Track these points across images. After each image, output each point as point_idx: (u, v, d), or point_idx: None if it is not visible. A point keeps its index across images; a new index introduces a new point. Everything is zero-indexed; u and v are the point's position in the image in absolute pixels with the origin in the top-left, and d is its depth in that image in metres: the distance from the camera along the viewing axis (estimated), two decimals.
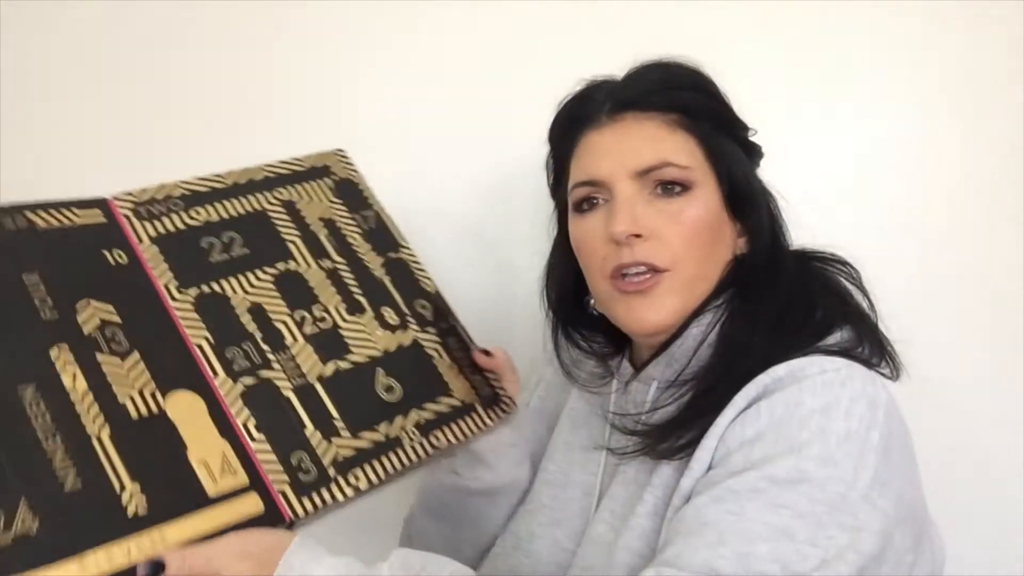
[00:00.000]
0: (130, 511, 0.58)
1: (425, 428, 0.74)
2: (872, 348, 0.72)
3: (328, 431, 0.69)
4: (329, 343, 0.74)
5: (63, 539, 0.55)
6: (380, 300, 0.80)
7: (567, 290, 0.85)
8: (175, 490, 0.61)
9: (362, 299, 0.79)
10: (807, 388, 0.64)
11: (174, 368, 0.67)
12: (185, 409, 0.65)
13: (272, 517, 0.64)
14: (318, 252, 0.79)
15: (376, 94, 1.16)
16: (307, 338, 0.74)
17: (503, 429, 0.82)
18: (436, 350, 0.80)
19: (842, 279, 0.77)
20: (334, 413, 0.71)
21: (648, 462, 0.73)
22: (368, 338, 0.77)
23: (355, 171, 0.88)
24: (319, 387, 0.71)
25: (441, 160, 1.13)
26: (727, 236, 0.77)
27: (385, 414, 0.73)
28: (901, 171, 1.05)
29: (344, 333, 0.76)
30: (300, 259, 0.78)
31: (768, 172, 0.81)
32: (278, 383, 0.70)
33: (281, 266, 0.77)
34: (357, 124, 1.16)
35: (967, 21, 1.03)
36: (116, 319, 0.66)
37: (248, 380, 0.69)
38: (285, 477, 0.66)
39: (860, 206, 1.05)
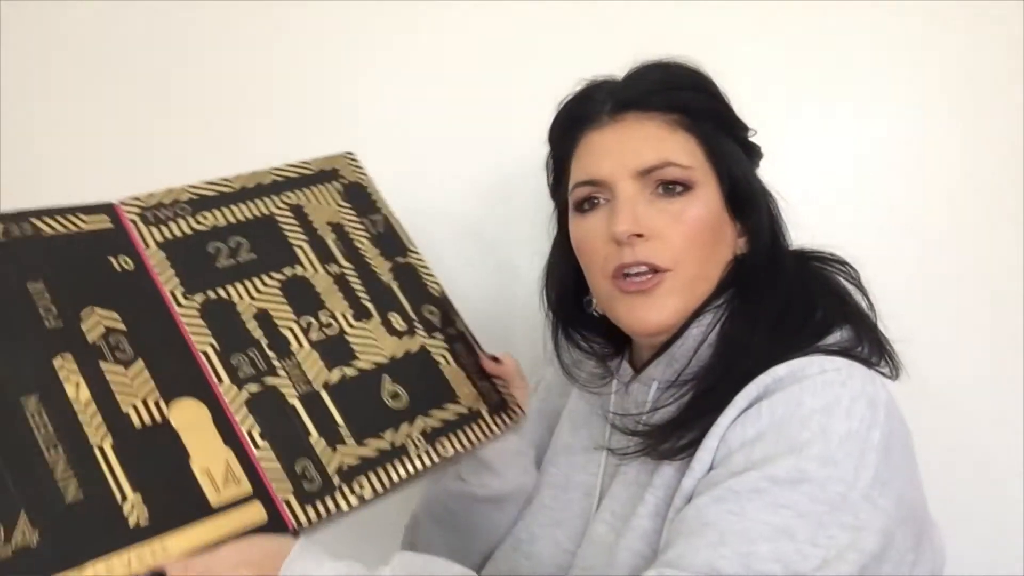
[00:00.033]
0: (131, 522, 0.58)
1: (431, 436, 0.73)
2: (871, 347, 0.72)
3: (333, 439, 0.69)
4: (335, 349, 0.74)
5: (63, 551, 0.55)
6: (387, 306, 0.79)
7: (567, 290, 0.85)
8: (177, 500, 0.60)
9: (369, 305, 0.78)
10: (808, 388, 0.64)
11: (179, 375, 0.66)
12: (189, 417, 0.64)
13: (276, 526, 0.63)
14: (325, 257, 0.79)
15: (376, 94, 1.16)
16: (313, 344, 0.73)
17: (510, 436, 0.82)
18: (443, 356, 0.79)
19: (841, 279, 0.77)
20: (339, 421, 0.70)
21: (649, 462, 0.73)
22: (375, 344, 0.76)
23: (364, 174, 0.87)
24: (324, 394, 0.71)
25: (441, 160, 1.13)
26: (728, 236, 0.77)
27: (391, 421, 0.72)
28: (901, 171, 1.05)
29: (351, 339, 0.75)
30: (307, 264, 0.77)
31: (768, 172, 0.81)
32: (283, 390, 0.69)
33: (288, 271, 0.76)
34: (357, 124, 1.15)
35: (967, 21, 1.03)
36: (121, 326, 0.66)
37: (253, 387, 0.68)
38: (289, 486, 0.65)
39: (860, 206, 1.05)
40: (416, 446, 0.72)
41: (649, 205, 0.74)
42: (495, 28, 1.12)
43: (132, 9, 1.18)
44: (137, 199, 0.74)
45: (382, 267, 0.81)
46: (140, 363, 0.65)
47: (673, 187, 0.74)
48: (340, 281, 0.78)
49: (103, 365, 0.63)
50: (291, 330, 0.73)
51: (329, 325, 0.75)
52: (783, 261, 0.77)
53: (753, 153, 0.80)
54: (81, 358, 0.63)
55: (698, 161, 0.75)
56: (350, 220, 0.83)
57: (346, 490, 0.67)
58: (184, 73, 1.18)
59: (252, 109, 1.17)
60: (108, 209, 0.72)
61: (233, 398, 0.67)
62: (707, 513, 0.61)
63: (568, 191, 0.80)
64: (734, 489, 0.61)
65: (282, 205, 0.80)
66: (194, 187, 0.77)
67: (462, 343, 0.82)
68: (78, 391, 0.61)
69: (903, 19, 1.03)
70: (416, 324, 0.79)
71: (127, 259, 0.70)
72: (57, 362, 0.62)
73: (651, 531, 0.69)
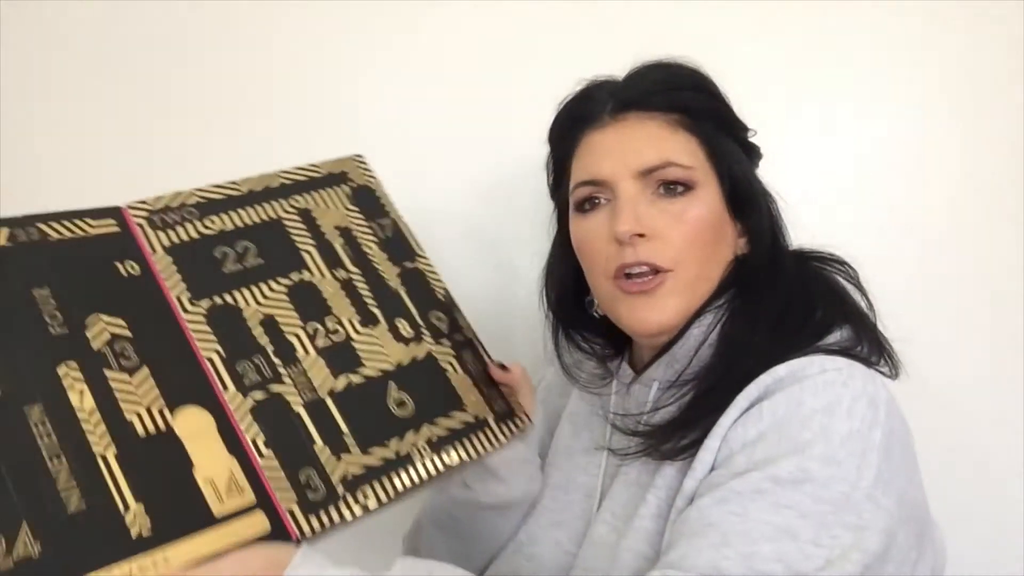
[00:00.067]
0: (134, 532, 0.57)
1: (437, 445, 0.73)
2: (871, 347, 0.72)
3: (338, 447, 0.68)
4: (341, 356, 0.73)
5: (65, 562, 0.55)
6: (395, 312, 0.78)
7: (567, 291, 0.85)
8: (180, 510, 0.60)
9: (376, 311, 0.77)
10: (808, 388, 0.64)
11: (184, 383, 0.65)
12: (193, 425, 0.64)
13: (279, 536, 0.62)
14: (333, 262, 0.78)
15: (376, 94, 1.16)
16: (319, 351, 0.72)
17: (517, 444, 0.81)
18: (450, 363, 0.78)
19: (840, 278, 0.77)
20: (344, 429, 0.69)
21: (650, 463, 0.73)
22: (381, 351, 0.75)
23: (373, 177, 0.86)
24: (330, 402, 0.70)
25: (441, 160, 1.13)
26: (728, 236, 0.77)
27: (396, 430, 0.71)
28: (901, 171, 1.05)
29: (357, 346, 0.74)
30: (314, 269, 0.76)
31: (768, 172, 0.81)
32: (288, 398, 0.69)
33: (295, 276, 0.75)
34: (357, 124, 1.16)
35: (967, 21, 1.03)
36: (127, 333, 0.65)
37: (258, 395, 0.68)
38: (293, 495, 0.64)
39: (860, 206, 1.06)
40: (421, 455, 0.71)
41: (650, 205, 0.74)
42: (495, 28, 1.12)
43: (133, 9, 1.18)
44: (144, 202, 0.73)
45: (390, 272, 0.80)
46: (145, 370, 0.64)
47: (674, 187, 0.74)
48: (347, 287, 0.77)
49: (108, 373, 0.63)
50: (297, 336, 0.72)
51: (336, 331, 0.74)
52: (783, 261, 0.77)
53: (753, 153, 0.81)
54: (85, 366, 0.62)
55: (699, 161, 0.75)
56: (358, 224, 0.82)
57: (350, 500, 0.66)
58: (183, 73, 1.18)
59: (252, 109, 1.17)
60: (115, 213, 0.72)
61: (238, 406, 0.66)
62: (710, 514, 0.61)
63: (569, 191, 0.80)
64: (736, 490, 0.61)
65: (290, 209, 0.79)
66: (201, 190, 0.76)
67: (470, 350, 0.81)
68: (82, 399, 0.61)
69: (903, 19, 1.04)
70: (423, 331, 0.78)
71: (133, 264, 0.69)
72: (61, 370, 0.61)
73: (653, 532, 0.69)
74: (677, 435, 0.70)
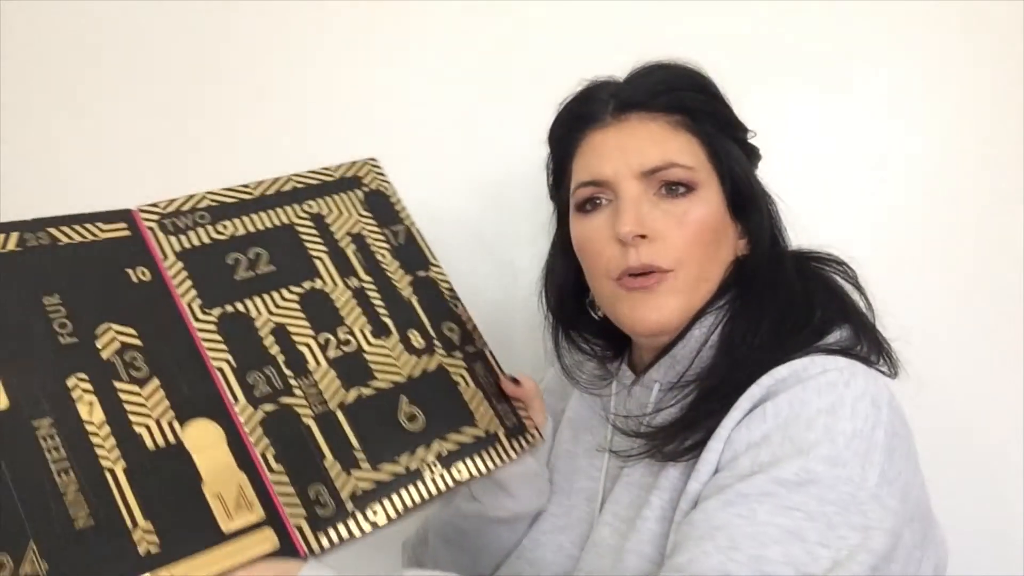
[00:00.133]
0: (142, 550, 0.57)
1: (447, 460, 0.72)
2: (870, 346, 0.72)
3: (348, 463, 0.67)
4: (352, 368, 0.72)
5: None
6: (407, 322, 0.77)
7: (567, 292, 0.85)
8: (189, 527, 0.59)
9: (388, 321, 0.76)
10: (811, 388, 0.64)
11: (194, 395, 0.65)
12: (203, 439, 0.63)
13: (287, 553, 0.62)
14: (345, 270, 0.77)
15: (376, 94, 1.15)
16: (330, 362, 0.71)
17: (526, 458, 0.80)
18: (462, 376, 0.77)
19: (839, 278, 0.77)
20: (355, 443, 0.68)
21: (653, 465, 0.73)
22: (393, 363, 0.74)
23: (387, 182, 0.85)
24: (340, 415, 0.69)
25: (441, 160, 1.13)
26: (729, 237, 0.77)
27: (407, 445, 0.71)
28: (901, 171, 1.05)
29: (368, 357, 0.73)
30: (327, 277, 0.75)
31: (767, 173, 0.81)
32: (299, 410, 0.68)
33: (307, 285, 0.74)
34: (357, 124, 1.15)
35: (967, 21, 1.03)
36: (137, 342, 0.65)
37: (268, 407, 0.67)
38: (302, 511, 0.64)
39: (860, 206, 1.06)
40: (431, 470, 0.70)
41: (653, 206, 0.74)
42: (495, 28, 1.12)
43: (132, 9, 1.18)
44: (155, 206, 0.72)
45: (403, 281, 0.79)
46: (155, 381, 0.64)
47: (676, 188, 0.74)
48: (359, 295, 0.76)
49: (117, 384, 0.62)
50: (308, 347, 0.71)
51: (347, 342, 0.73)
52: (783, 262, 0.77)
53: (752, 154, 0.81)
54: (95, 377, 0.62)
55: (700, 162, 0.75)
56: (371, 231, 0.81)
57: (359, 516, 0.66)
58: (184, 74, 1.18)
59: (251, 110, 1.17)
60: (126, 216, 0.70)
61: (248, 418, 0.66)
62: (716, 517, 0.61)
63: (569, 192, 0.80)
64: (743, 492, 0.61)
65: (303, 214, 0.78)
66: (213, 193, 0.75)
67: (481, 362, 0.79)
68: (91, 412, 0.60)
69: (903, 19, 1.04)
70: (435, 342, 0.77)
71: (144, 270, 0.68)
72: (71, 382, 0.61)
73: (658, 534, 0.69)
74: (680, 436, 0.70)
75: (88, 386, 0.61)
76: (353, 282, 0.77)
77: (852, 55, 1.05)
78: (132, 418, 0.61)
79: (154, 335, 0.66)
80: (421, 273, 0.81)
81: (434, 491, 0.70)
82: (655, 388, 0.77)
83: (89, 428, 0.59)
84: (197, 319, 0.68)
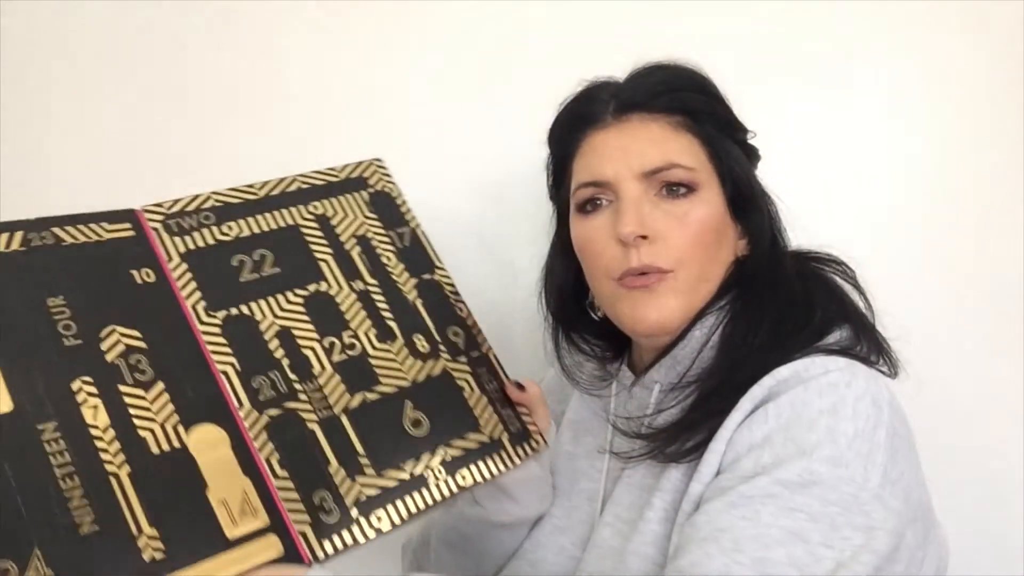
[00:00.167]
0: (147, 556, 0.56)
1: (451, 466, 0.71)
2: (870, 346, 0.72)
3: (353, 469, 0.67)
4: (357, 372, 0.71)
5: None
6: (412, 326, 0.76)
7: (567, 292, 0.85)
8: (193, 533, 0.59)
9: (393, 325, 0.75)
10: (813, 389, 0.64)
11: (199, 399, 0.64)
12: (208, 444, 0.63)
13: (291, 560, 0.61)
14: (350, 273, 0.76)
15: (375, 94, 1.15)
16: (335, 367, 0.71)
17: (530, 463, 0.80)
18: (466, 381, 0.77)
19: (838, 278, 0.77)
20: (359, 449, 0.68)
21: (655, 466, 0.73)
22: (398, 368, 0.73)
23: (392, 182, 0.84)
24: (345, 420, 0.69)
25: (441, 160, 1.13)
26: (730, 238, 0.77)
27: (412, 451, 0.70)
28: (901, 171, 1.05)
29: (373, 362, 0.73)
30: (332, 280, 0.75)
31: (767, 173, 0.81)
32: (303, 415, 0.67)
33: (312, 287, 0.73)
34: (357, 124, 1.15)
35: (967, 21, 1.03)
36: (142, 344, 0.64)
37: (273, 412, 0.66)
38: (307, 518, 0.63)
39: (860, 206, 1.06)
40: (436, 476, 0.70)
41: (654, 207, 0.74)
42: (495, 28, 1.12)
43: (136, 10, 1.18)
44: (159, 206, 0.72)
45: (408, 284, 0.79)
46: (160, 385, 0.63)
47: (677, 189, 0.74)
48: (364, 299, 0.75)
49: (122, 388, 0.62)
50: (313, 351, 0.71)
51: (352, 346, 0.72)
52: (783, 262, 0.77)
53: (752, 155, 0.81)
54: (100, 380, 0.61)
55: (701, 163, 0.75)
56: (376, 233, 0.80)
57: (364, 523, 0.65)
58: (184, 74, 1.18)
59: (251, 110, 1.17)
60: (130, 216, 0.70)
61: (253, 423, 0.65)
62: (720, 519, 0.61)
63: (570, 192, 0.80)
64: (746, 494, 0.61)
65: (308, 216, 0.77)
66: (218, 193, 0.75)
67: (486, 367, 0.79)
68: (96, 415, 0.60)
69: (903, 19, 1.04)
70: (440, 347, 0.77)
71: (149, 271, 0.68)
72: (75, 385, 0.60)
73: (660, 535, 0.69)
74: (682, 437, 0.70)
75: (93, 389, 0.61)
76: (358, 285, 0.76)
77: (852, 55, 1.05)
78: (137, 422, 0.61)
79: (159, 338, 0.65)
80: (426, 276, 0.80)
81: (438, 497, 0.69)
82: (655, 389, 0.77)
83: (94, 432, 0.59)
84: (202, 322, 0.68)
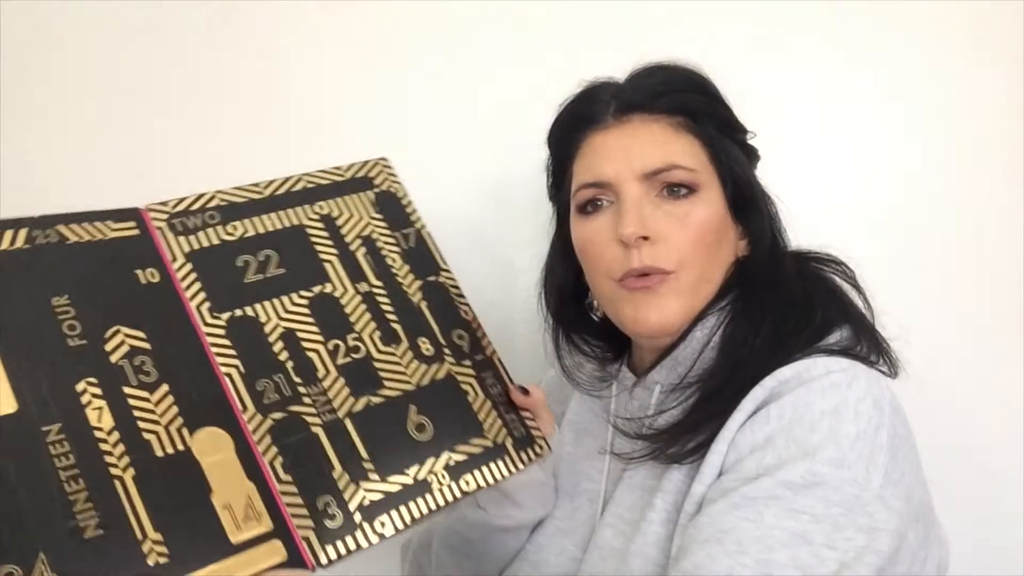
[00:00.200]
0: (151, 560, 0.56)
1: (455, 471, 0.71)
2: (870, 346, 0.72)
3: (356, 474, 0.66)
4: (361, 375, 0.71)
5: None
6: (416, 329, 0.76)
7: (567, 293, 0.85)
8: (198, 538, 0.58)
9: (398, 327, 0.75)
10: (814, 390, 0.65)
11: (203, 402, 0.64)
12: (212, 448, 0.62)
13: (294, 565, 0.61)
14: (355, 274, 0.75)
15: (375, 94, 1.15)
16: (339, 369, 0.70)
17: (533, 468, 0.79)
18: (471, 385, 0.76)
19: (838, 279, 0.77)
20: (363, 454, 0.67)
21: (656, 467, 0.73)
22: (402, 371, 0.73)
23: (398, 182, 0.84)
24: (349, 424, 0.68)
25: (441, 160, 1.13)
26: (730, 238, 0.77)
27: (415, 455, 0.70)
28: (901, 171, 1.05)
29: (378, 365, 0.72)
30: (337, 282, 0.74)
31: (767, 173, 0.81)
32: (307, 419, 0.67)
33: (317, 289, 0.73)
34: (357, 124, 1.15)
35: (967, 21, 1.03)
36: (146, 345, 0.64)
37: (277, 415, 0.66)
38: (310, 523, 0.63)
39: (860, 206, 1.06)
40: (439, 481, 0.70)
41: (655, 208, 0.74)
42: (496, 28, 1.12)
43: (137, 10, 1.18)
44: (164, 204, 0.71)
45: (412, 287, 0.78)
46: (164, 387, 0.63)
47: (678, 189, 0.74)
48: (369, 301, 0.75)
49: (127, 390, 0.61)
50: (317, 353, 0.70)
51: (356, 349, 0.72)
52: (783, 263, 0.77)
53: (752, 155, 0.81)
54: (104, 382, 0.61)
55: (702, 164, 0.75)
56: (382, 233, 0.79)
57: (367, 528, 0.65)
58: (188, 74, 1.17)
59: (251, 110, 1.17)
60: (134, 215, 0.69)
61: (257, 426, 0.65)
62: (723, 520, 0.61)
63: (570, 193, 0.80)
64: (749, 496, 0.61)
65: (313, 216, 0.76)
66: (223, 192, 0.74)
67: (490, 371, 0.78)
68: (100, 417, 0.59)
69: (904, 19, 1.04)
70: (445, 350, 0.76)
71: (153, 271, 0.67)
72: (80, 386, 0.60)
73: (663, 536, 0.69)
74: (683, 438, 0.70)
75: (97, 391, 0.60)
76: (363, 287, 0.75)
77: (852, 55, 1.05)
78: (141, 425, 0.60)
79: (163, 339, 0.65)
80: (431, 278, 0.80)
81: (442, 502, 0.69)
82: (656, 390, 0.77)
83: (98, 435, 0.59)
84: (206, 323, 0.67)
